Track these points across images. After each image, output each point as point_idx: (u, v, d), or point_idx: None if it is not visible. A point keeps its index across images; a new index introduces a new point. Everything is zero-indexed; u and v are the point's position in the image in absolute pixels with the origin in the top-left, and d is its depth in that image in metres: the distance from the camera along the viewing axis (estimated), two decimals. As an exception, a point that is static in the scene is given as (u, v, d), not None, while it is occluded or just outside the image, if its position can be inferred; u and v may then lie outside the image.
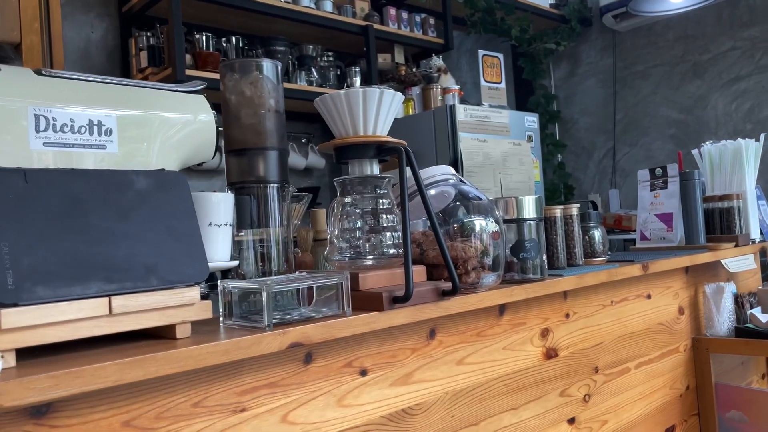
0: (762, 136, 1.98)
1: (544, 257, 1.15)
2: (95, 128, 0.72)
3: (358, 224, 0.97)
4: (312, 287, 0.83)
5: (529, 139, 3.23)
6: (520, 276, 1.12)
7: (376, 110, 0.95)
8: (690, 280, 1.68)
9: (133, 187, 0.70)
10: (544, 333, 1.20)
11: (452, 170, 1.12)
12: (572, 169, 4.44)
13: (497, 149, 2.98)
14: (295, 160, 3.37)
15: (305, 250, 1.22)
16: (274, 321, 0.76)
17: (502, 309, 1.12)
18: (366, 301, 0.88)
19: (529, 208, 1.12)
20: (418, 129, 3.02)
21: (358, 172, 0.98)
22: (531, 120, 3.28)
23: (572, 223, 1.30)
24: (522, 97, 4.49)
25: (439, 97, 3.35)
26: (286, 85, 3.01)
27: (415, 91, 3.38)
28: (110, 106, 0.75)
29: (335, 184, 0.99)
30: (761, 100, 3.65)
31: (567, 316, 1.26)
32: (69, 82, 0.76)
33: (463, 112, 2.91)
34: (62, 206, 0.65)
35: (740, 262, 1.74)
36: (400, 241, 0.95)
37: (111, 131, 0.74)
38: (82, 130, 0.71)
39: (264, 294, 0.74)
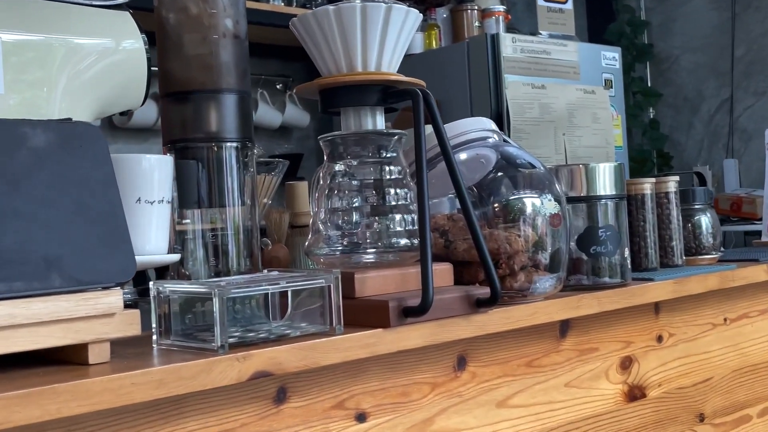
0: None
1: (627, 253, 1.15)
2: (-30, 59, 0.72)
3: (355, 203, 0.97)
4: (286, 292, 0.83)
5: (608, 84, 3.22)
6: (591, 280, 1.12)
7: (381, 35, 0.94)
8: (841, 289, 1.67)
9: (26, 144, 0.70)
10: (626, 363, 1.20)
11: (493, 125, 1.12)
12: (670, 130, 4.42)
13: (560, 99, 2.97)
14: (268, 114, 3.37)
15: (278, 241, 1.22)
16: (231, 340, 0.76)
17: (564, 328, 1.12)
18: (365, 314, 0.88)
19: (604, 180, 1.12)
20: (445, 69, 3.01)
21: (354, 127, 0.98)
22: (611, 57, 3.26)
23: (668, 204, 1.30)
24: (598, 25, 4.46)
25: (476, 24, 3.33)
26: (256, 5, 3.00)
27: (441, 14, 3.37)
28: (-7, 26, 0.75)
29: (321, 144, 0.99)
30: None
31: (659, 339, 1.26)
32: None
33: (510, 45, 2.90)
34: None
35: None
36: (416, 228, 0.95)
37: (-6, 63, 0.73)
38: (-48, 61, 0.71)
39: (216, 301, 0.74)
